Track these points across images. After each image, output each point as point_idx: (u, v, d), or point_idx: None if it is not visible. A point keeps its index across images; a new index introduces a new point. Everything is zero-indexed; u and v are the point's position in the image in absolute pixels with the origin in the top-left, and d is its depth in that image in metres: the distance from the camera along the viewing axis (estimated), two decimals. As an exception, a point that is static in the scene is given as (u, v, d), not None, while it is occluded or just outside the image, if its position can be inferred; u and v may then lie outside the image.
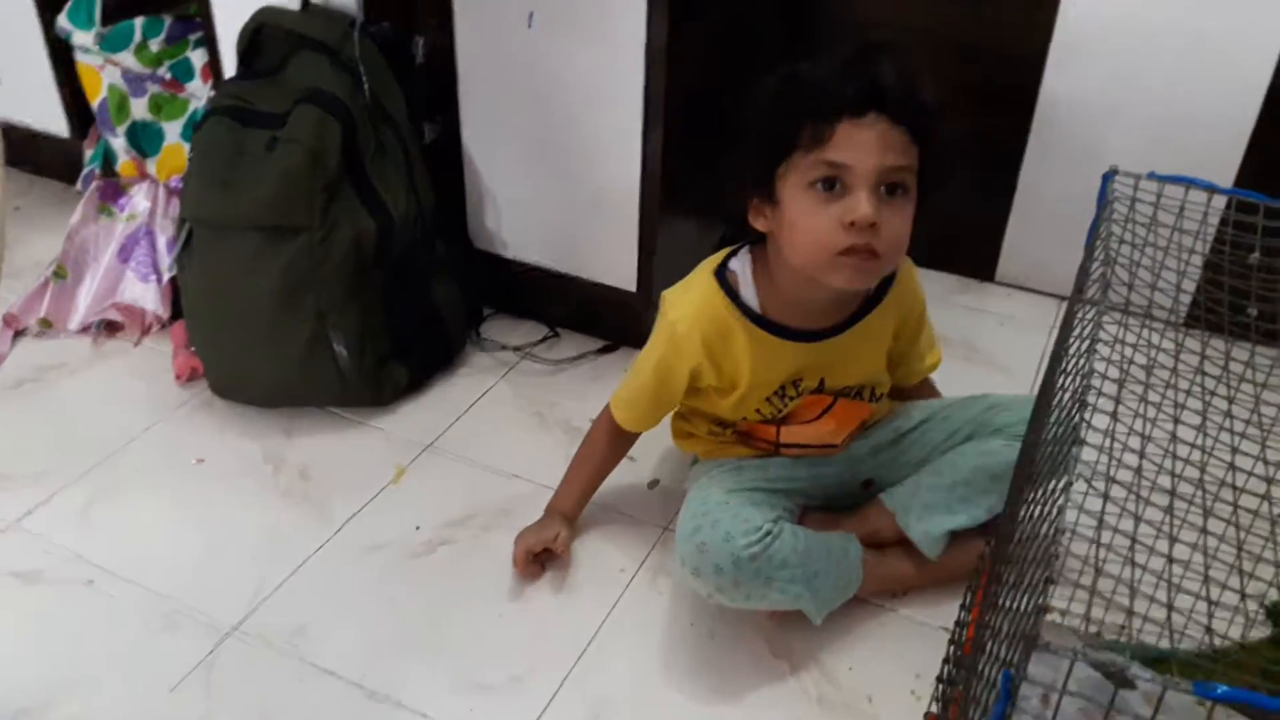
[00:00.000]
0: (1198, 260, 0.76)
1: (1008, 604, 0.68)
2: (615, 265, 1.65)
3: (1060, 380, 0.72)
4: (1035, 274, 1.92)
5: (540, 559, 1.31)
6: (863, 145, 1.00)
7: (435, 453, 1.52)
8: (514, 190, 1.68)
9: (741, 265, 1.17)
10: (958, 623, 1.18)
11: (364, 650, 1.20)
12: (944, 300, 1.88)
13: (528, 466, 1.48)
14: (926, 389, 1.40)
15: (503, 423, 1.58)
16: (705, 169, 1.69)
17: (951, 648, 1.13)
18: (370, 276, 1.49)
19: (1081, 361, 0.69)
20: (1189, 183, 0.79)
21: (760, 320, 1.16)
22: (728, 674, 1.19)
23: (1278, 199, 0.77)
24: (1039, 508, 0.67)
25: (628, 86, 1.47)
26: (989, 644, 0.71)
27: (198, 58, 1.76)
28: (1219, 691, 0.49)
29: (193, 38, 1.76)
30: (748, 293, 1.16)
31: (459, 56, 1.57)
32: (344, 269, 1.45)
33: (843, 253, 1.03)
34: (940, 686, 1.07)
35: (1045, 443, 0.70)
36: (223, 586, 1.28)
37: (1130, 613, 0.71)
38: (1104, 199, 0.81)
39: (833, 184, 1.02)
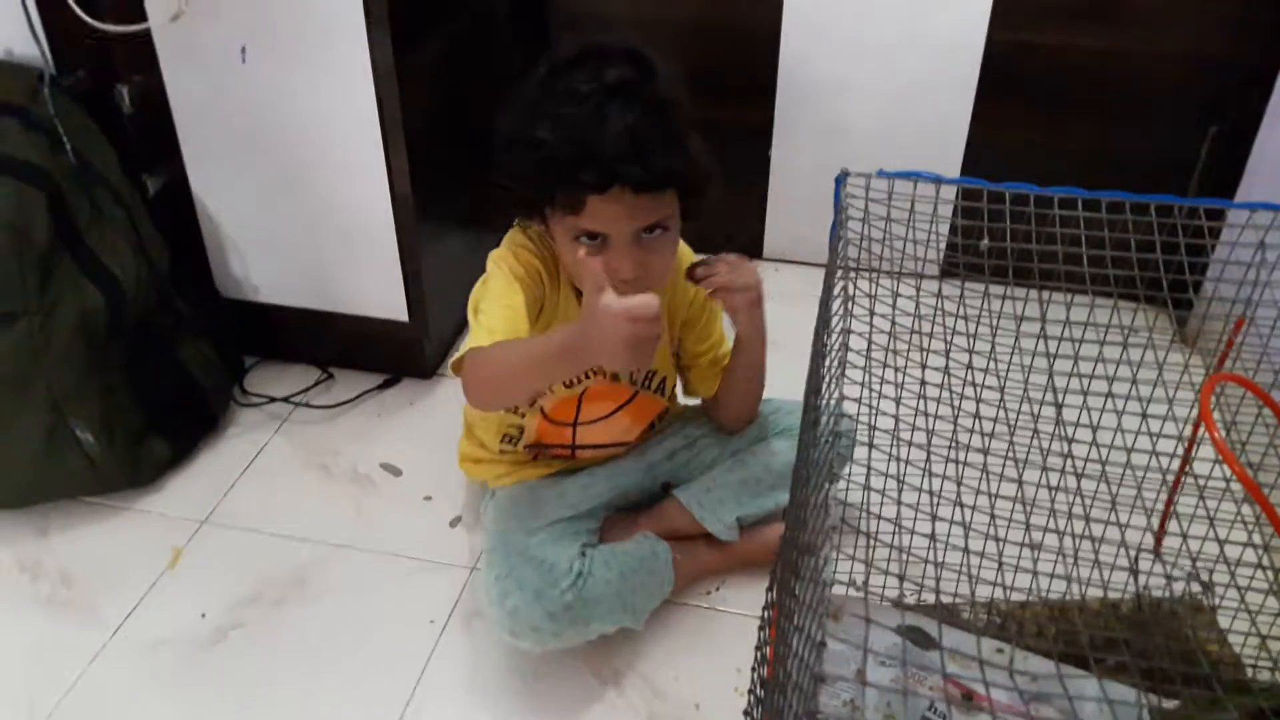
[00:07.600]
0: (934, 255, 0.78)
1: (799, 597, 0.69)
2: (381, 296, 1.58)
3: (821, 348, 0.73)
4: (798, 247, 1.99)
5: None
6: (613, 217, 1.00)
7: (213, 527, 1.41)
8: (257, 232, 1.57)
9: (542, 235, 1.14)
10: (765, 606, 1.20)
11: (160, 764, 1.11)
12: (716, 282, 1.91)
13: (317, 526, 1.40)
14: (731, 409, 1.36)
15: (283, 482, 1.49)
16: (461, 184, 1.64)
17: (761, 633, 1.15)
18: (106, 352, 1.36)
19: (836, 323, 0.71)
20: (916, 177, 0.82)
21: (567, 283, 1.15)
22: (557, 711, 1.17)
23: (1000, 183, 0.81)
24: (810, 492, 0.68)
25: (361, 112, 1.40)
26: (789, 631, 0.72)
27: None
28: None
29: None
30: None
31: (172, 101, 1.45)
32: (74, 350, 1.31)
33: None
34: (754, 676, 1.09)
35: (812, 410, 0.71)
36: (-16, 723, 1.15)
37: (901, 565, 0.73)
38: (839, 202, 0.82)
39: (594, 237, 1.02)
